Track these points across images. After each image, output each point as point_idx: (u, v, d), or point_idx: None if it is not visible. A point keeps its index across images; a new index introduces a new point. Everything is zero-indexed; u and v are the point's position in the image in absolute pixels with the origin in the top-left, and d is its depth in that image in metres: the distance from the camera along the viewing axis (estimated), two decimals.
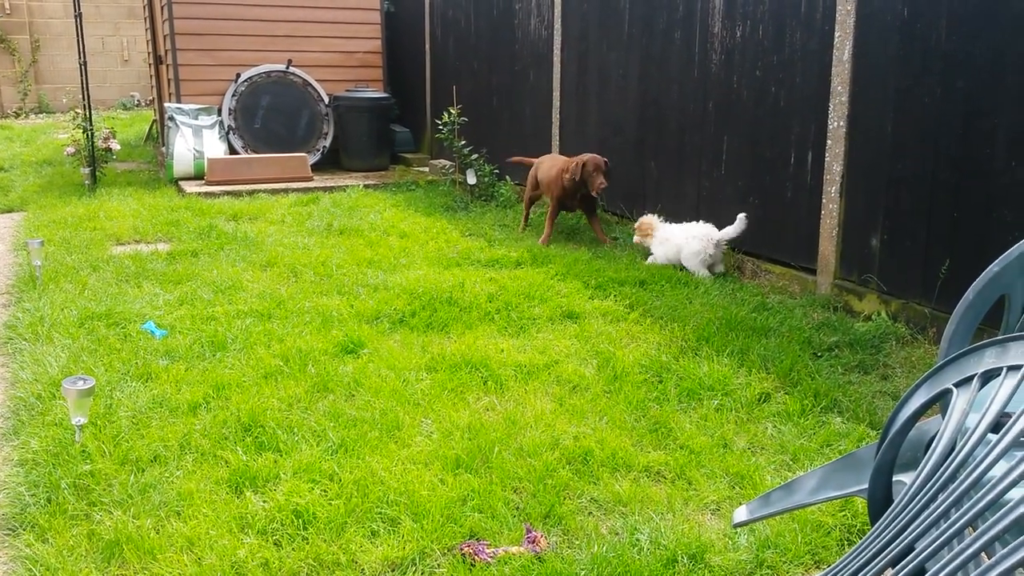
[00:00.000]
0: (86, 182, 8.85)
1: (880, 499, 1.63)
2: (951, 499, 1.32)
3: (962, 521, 1.26)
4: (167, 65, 10.31)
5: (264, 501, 2.86)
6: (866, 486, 1.66)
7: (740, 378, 3.87)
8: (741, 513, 2.03)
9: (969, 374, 1.51)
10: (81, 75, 8.87)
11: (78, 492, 2.93)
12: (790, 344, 4.26)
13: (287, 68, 10.15)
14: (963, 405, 1.47)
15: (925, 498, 1.38)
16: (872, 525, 1.58)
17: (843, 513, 2.80)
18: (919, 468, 1.44)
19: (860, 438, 3.30)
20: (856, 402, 3.62)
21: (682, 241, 5.71)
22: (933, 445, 1.46)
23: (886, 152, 4.63)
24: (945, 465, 1.40)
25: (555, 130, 7.98)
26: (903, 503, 1.41)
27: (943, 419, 1.50)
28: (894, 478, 1.65)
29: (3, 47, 17.49)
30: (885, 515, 1.43)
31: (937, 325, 4.27)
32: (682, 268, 5.71)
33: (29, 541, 2.68)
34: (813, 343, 4.31)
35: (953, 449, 1.42)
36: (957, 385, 1.52)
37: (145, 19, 12.54)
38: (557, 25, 7.77)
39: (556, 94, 7.90)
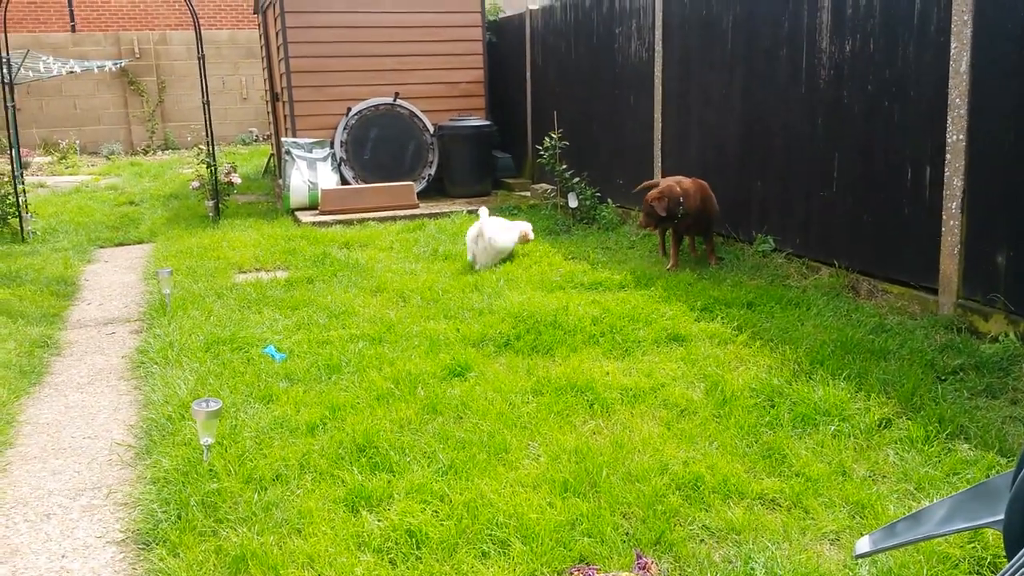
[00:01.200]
0: (210, 214, 9.37)
1: (1018, 531, 1.55)
2: None
3: None
4: (283, 102, 10.82)
5: (379, 520, 2.94)
6: (1001, 517, 1.58)
7: (858, 403, 3.73)
8: (863, 544, 1.95)
9: None
10: (204, 113, 9.42)
11: (206, 509, 3.09)
12: (911, 367, 4.09)
13: (394, 101, 10.49)
14: None
15: None
16: (1008, 559, 1.50)
17: (972, 545, 2.66)
18: None
19: (990, 466, 3.13)
20: (984, 428, 3.43)
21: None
22: None
23: (1010, 165, 4.40)
24: None
25: (656, 151, 7.94)
26: None
27: None
28: None
29: (133, 89, 18.77)
30: None
31: None
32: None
33: (162, 555, 2.84)
34: (936, 366, 4.12)
35: None
36: None
37: (262, 59, 13.23)
38: (658, 48, 7.76)
39: (657, 115, 7.87)
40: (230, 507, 3.09)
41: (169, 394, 4.19)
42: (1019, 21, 4.29)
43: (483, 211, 6.74)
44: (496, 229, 6.71)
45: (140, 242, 8.67)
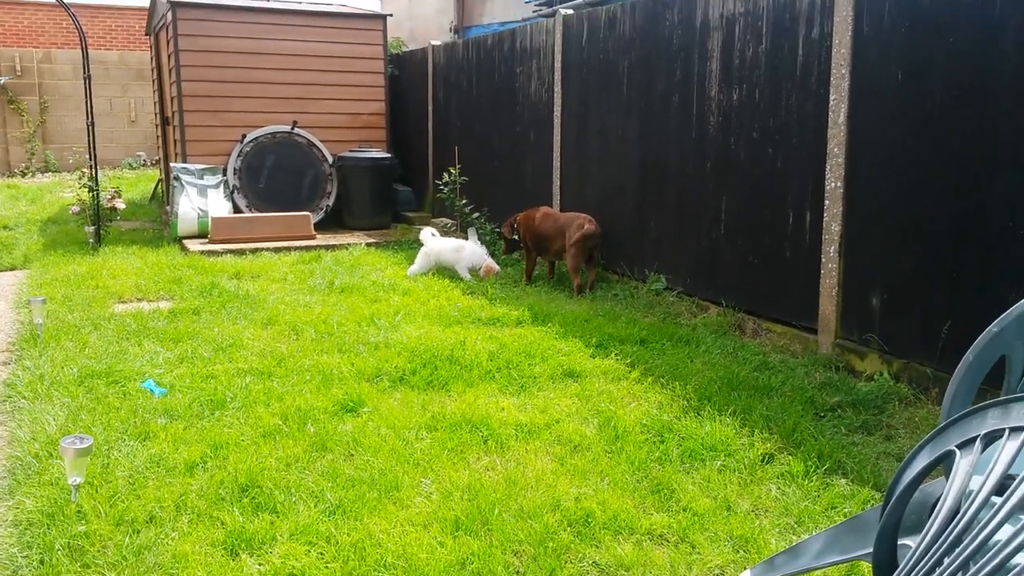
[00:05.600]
0: (90, 240, 8.91)
1: (885, 563, 1.60)
2: (956, 563, 1.31)
3: None
4: (174, 126, 10.48)
5: (260, 564, 2.82)
6: (871, 550, 1.64)
7: (743, 438, 3.84)
8: None
9: (972, 435, 1.51)
10: (88, 135, 9.01)
11: (72, 553, 2.89)
12: (793, 404, 4.24)
13: (292, 129, 10.32)
14: (966, 467, 1.46)
15: (931, 562, 1.36)
16: None
17: None
18: (924, 531, 1.42)
19: (865, 500, 3.26)
20: (860, 463, 3.58)
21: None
22: (937, 508, 1.44)
23: (884, 212, 4.67)
24: (950, 528, 1.38)
25: (556, 189, 8.07)
26: (908, 567, 1.39)
27: (947, 481, 1.49)
28: (899, 541, 1.63)
29: (12, 108, 17.80)
30: None
31: (940, 385, 4.25)
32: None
33: None
34: (816, 403, 4.29)
35: (957, 512, 1.41)
36: (960, 447, 1.51)
37: (153, 81, 12.80)
38: (557, 88, 7.92)
39: (556, 154, 8.01)
40: (98, 551, 2.90)
41: (37, 430, 3.92)
42: (892, 76, 4.58)
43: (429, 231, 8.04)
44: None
45: (13, 268, 8.16)
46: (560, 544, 2.95)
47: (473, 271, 7.63)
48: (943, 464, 1.57)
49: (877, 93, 4.67)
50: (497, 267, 7.69)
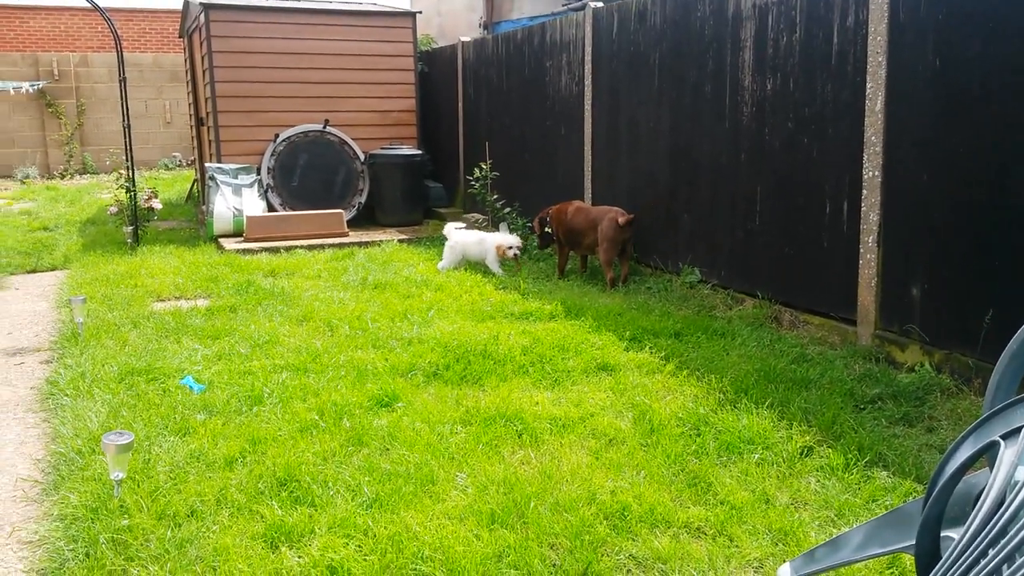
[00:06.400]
0: (128, 240, 9.07)
1: (928, 555, 1.58)
2: (1002, 555, 1.28)
3: None
4: (208, 127, 10.62)
5: (299, 556, 2.85)
6: (913, 542, 1.61)
7: (781, 431, 3.80)
8: (785, 571, 1.97)
9: (1016, 426, 1.48)
10: (125, 137, 9.16)
11: (116, 547, 2.94)
12: (832, 396, 4.19)
13: (324, 128, 10.40)
14: (1011, 457, 1.43)
15: (975, 554, 1.33)
16: None
17: (891, 570, 2.71)
18: (967, 523, 1.40)
19: (906, 493, 3.21)
20: (901, 456, 3.53)
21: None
22: (981, 499, 1.42)
23: (923, 201, 4.59)
24: (995, 520, 1.35)
25: (587, 183, 8.04)
26: (952, 559, 1.37)
27: (991, 472, 1.46)
28: (942, 533, 1.60)
29: (51, 111, 18.16)
30: (934, 572, 1.39)
31: (982, 376, 4.17)
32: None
33: None
34: (855, 395, 4.23)
35: (1002, 503, 1.38)
36: (1004, 437, 1.48)
37: (187, 83, 12.98)
38: (587, 81, 7.89)
39: (587, 148, 7.98)
40: (141, 544, 2.95)
41: (79, 427, 4.00)
42: (930, 63, 4.50)
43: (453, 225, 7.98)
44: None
45: (54, 269, 8.34)
46: (596, 537, 2.94)
47: (504, 263, 7.65)
48: (987, 455, 1.54)
49: (915, 80, 4.58)
50: (514, 239, 7.62)
